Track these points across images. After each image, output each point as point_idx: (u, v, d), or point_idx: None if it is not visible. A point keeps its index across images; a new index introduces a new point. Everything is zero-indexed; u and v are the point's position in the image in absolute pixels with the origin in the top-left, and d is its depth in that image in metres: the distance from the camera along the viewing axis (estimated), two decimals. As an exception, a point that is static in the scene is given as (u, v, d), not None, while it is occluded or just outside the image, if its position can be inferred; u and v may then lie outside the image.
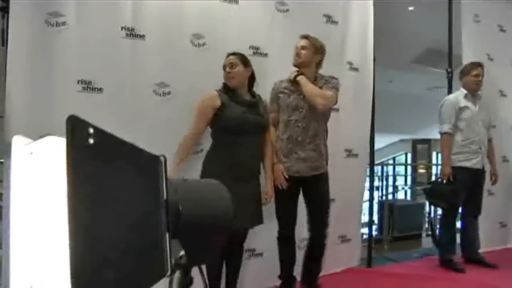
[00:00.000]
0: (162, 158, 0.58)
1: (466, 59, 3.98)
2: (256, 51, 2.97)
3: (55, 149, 0.54)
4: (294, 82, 2.62)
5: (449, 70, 4.10)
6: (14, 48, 2.25)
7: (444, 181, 3.46)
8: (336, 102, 2.70)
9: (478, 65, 3.63)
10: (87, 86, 2.43)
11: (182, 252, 0.60)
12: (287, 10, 3.09)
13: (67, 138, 0.46)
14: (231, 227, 0.71)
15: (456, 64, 4.03)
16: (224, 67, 2.49)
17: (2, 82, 2.26)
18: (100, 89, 2.46)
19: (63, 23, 2.37)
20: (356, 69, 3.41)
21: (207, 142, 2.59)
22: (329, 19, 3.28)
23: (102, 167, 0.49)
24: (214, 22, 2.83)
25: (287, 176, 2.59)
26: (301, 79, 2.60)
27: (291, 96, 2.64)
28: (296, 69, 2.67)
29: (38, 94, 2.31)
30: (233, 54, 2.53)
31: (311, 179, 2.62)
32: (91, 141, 0.48)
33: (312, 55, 2.63)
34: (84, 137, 0.47)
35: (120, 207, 0.51)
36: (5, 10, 2.29)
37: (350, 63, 3.40)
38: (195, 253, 0.64)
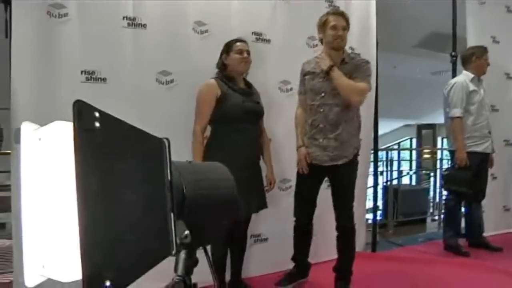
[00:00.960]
0: (165, 141, 0.59)
1: (471, 42, 3.95)
2: (259, 37, 2.97)
3: (62, 133, 0.56)
4: (326, 73, 2.47)
5: (453, 53, 4.06)
6: (18, 40, 2.26)
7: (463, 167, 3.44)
8: (370, 89, 2.56)
9: (486, 49, 3.63)
10: (91, 76, 2.45)
11: (187, 232, 0.62)
12: (290, -5, 3.08)
13: (74, 122, 0.48)
14: (235, 208, 0.73)
15: (460, 48, 4.00)
16: (240, 52, 2.47)
17: (6, 74, 2.28)
18: (104, 79, 2.47)
19: (65, 15, 2.38)
20: (358, 55, 3.39)
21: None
22: (331, 4, 3.26)
23: (108, 150, 0.51)
24: (216, 9, 2.82)
25: (309, 161, 2.54)
26: (335, 73, 2.43)
27: (314, 79, 2.55)
28: (320, 52, 2.56)
29: (42, 85, 2.33)
30: (243, 41, 2.53)
31: (332, 169, 2.53)
32: (97, 124, 0.49)
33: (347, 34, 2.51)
34: (90, 121, 0.49)
35: (126, 188, 0.53)
36: (8, 2, 2.30)
37: (352, 49, 3.38)
38: (200, 233, 0.66)
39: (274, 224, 2.93)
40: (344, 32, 2.49)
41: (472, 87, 3.52)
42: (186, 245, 0.63)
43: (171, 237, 0.56)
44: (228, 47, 2.51)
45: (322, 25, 2.52)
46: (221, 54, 2.53)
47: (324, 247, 2.97)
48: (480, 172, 3.59)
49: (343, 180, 2.55)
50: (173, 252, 0.57)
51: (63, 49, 2.38)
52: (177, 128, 2.63)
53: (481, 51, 3.61)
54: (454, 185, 3.53)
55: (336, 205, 2.58)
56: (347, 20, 2.50)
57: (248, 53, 2.51)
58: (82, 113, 0.48)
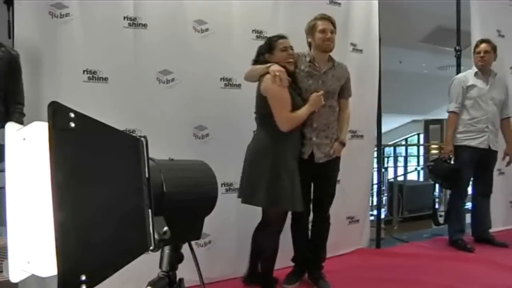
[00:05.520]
0: (143, 139, 0.61)
1: (475, 36, 3.91)
2: (260, 35, 2.96)
3: (45, 133, 0.58)
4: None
5: (457, 48, 4.03)
6: (20, 40, 2.30)
7: (446, 160, 3.51)
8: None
9: (482, 41, 3.58)
10: (93, 76, 2.47)
11: (166, 228, 0.63)
12: (290, -7, 3.07)
13: (49, 122, 0.49)
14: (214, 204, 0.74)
15: (466, 42, 3.96)
16: (285, 49, 2.44)
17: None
18: (105, 79, 2.50)
19: (67, 15, 2.41)
20: (360, 50, 3.39)
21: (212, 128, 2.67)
22: (332, 0, 3.25)
23: (83, 149, 0.52)
24: (217, 7, 2.82)
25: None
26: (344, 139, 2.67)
27: (309, 80, 2.57)
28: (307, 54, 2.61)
29: (45, 85, 2.36)
30: (285, 37, 2.49)
31: (323, 164, 2.60)
32: (72, 124, 0.51)
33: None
34: (65, 121, 0.51)
35: (102, 186, 0.54)
36: (10, 2, 2.33)
37: (354, 45, 3.37)
38: (181, 229, 0.68)
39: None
40: (332, 35, 2.53)
41: (472, 81, 3.50)
42: (167, 241, 0.65)
43: (148, 232, 0.58)
44: (269, 46, 2.46)
45: (311, 29, 2.57)
46: (261, 54, 2.48)
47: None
48: (481, 168, 3.56)
49: (329, 172, 2.67)
50: (151, 247, 0.59)
51: (65, 49, 2.41)
52: (178, 126, 2.66)
53: (476, 44, 3.60)
54: (435, 177, 3.65)
55: (318, 198, 2.69)
56: (334, 24, 2.56)
57: (292, 48, 2.49)
58: (56, 114, 0.50)
